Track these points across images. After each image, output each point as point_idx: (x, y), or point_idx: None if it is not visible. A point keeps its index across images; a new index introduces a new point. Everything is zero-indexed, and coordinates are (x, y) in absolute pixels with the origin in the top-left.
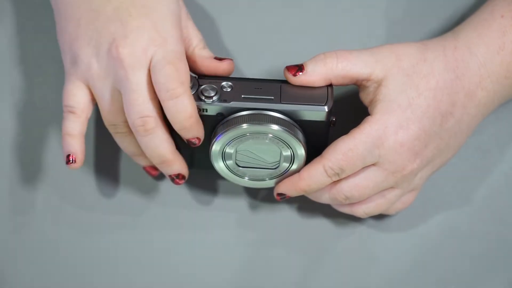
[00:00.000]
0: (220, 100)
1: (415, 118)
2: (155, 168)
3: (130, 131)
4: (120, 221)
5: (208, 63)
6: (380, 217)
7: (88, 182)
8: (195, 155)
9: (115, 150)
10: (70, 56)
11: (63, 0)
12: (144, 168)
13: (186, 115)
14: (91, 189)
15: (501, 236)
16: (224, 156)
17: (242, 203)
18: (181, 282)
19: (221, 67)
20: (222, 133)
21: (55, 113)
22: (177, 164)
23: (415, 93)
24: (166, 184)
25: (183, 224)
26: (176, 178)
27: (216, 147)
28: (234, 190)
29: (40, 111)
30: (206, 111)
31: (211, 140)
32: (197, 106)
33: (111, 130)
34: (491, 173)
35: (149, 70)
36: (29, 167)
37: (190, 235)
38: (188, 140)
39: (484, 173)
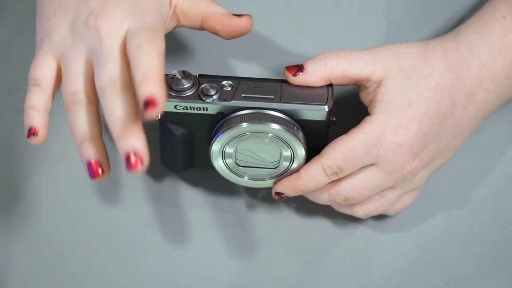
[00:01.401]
0: (221, 99)
1: (415, 118)
2: (99, 166)
3: (88, 102)
4: (119, 221)
5: (227, 20)
6: (380, 217)
7: (87, 181)
8: (195, 154)
9: (115, 149)
10: (44, 32)
11: None
12: (87, 163)
13: (149, 65)
14: (89, 189)
15: (501, 236)
16: (224, 155)
17: (241, 203)
18: (180, 282)
19: (240, 24)
20: (222, 132)
21: (55, 113)
22: (135, 136)
23: (415, 93)
24: (166, 184)
25: (182, 224)
26: (133, 157)
27: (216, 146)
28: (234, 189)
29: None
30: (206, 110)
31: (211, 139)
32: (197, 106)
33: (69, 100)
34: (491, 173)
35: (124, 41)
36: (29, 167)
37: (189, 235)
38: (146, 101)
39: (484, 173)
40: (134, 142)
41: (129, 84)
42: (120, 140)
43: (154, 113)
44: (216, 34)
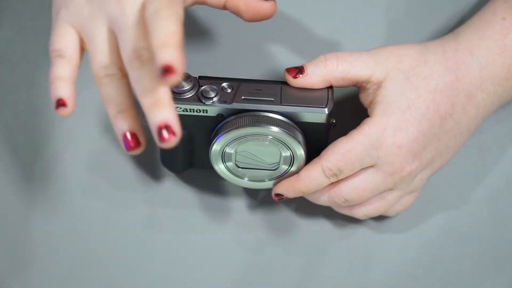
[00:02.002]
0: (221, 101)
1: (414, 120)
2: (133, 137)
3: (120, 74)
4: (119, 221)
5: (253, 1)
6: (380, 218)
7: (87, 181)
8: (195, 155)
9: (115, 150)
10: (61, 1)
11: None
12: (123, 136)
13: (167, 30)
14: (90, 189)
15: (501, 236)
16: (223, 157)
17: (241, 203)
18: (180, 283)
19: (265, 7)
20: (222, 134)
21: (55, 113)
22: (166, 108)
23: (415, 95)
24: (165, 185)
25: (182, 224)
26: (165, 131)
27: (216, 148)
28: (234, 190)
29: (40, 111)
30: (206, 112)
31: (211, 141)
32: (197, 108)
33: (100, 74)
34: (491, 173)
35: (143, 5)
36: (29, 167)
37: (189, 236)
38: (163, 68)
39: (484, 173)
40: (165, 114)
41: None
42: (151, 113)
43: (172, 81)
44: (238, 15)
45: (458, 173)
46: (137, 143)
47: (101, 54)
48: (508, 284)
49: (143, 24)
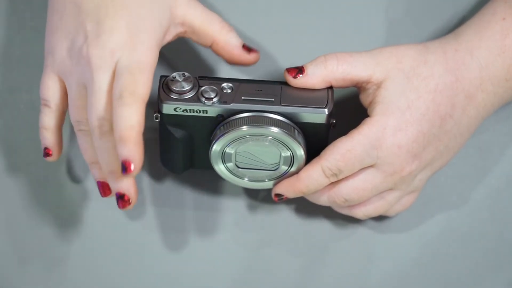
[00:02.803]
0: (220, 101)
1: (414, 120)
2: (106, 186)
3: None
4: (119, 221)
5: (236, 54)
6: (380, 218)
7: (87, 182)
8: (195, 156)
9: None
10: (49, 47)
11: None
12: (97, 182)
13: (127, 124)
14: (90, 189)
15: (501, 236)
16: (223, 157)
17: (241, 204)
18: (180, 283)
19: (248, 59)
20: (222, 135)
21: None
22: (125, 181)
23: (415, 95)
24: (166, 185)
25: (182, 224)
26: (120, 198)
27: (216, 148)
28: (234, 191)
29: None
30: (206, 113)
31: (211, 141)
32: (197, 109)
33: (75, 126)
34: (491, 173)
35: (114, 73)
36: (29, 167)
37: (189, 236)
38: (122, 162)
39: (484, 173)
40: (122, 185)
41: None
42: (109, 180)
43: (131, 175)
44: (220, 57)
45: (458, 173)
46: (107, 190)
47: (75, 110)
48: (508, 284)
49: (109, 98)
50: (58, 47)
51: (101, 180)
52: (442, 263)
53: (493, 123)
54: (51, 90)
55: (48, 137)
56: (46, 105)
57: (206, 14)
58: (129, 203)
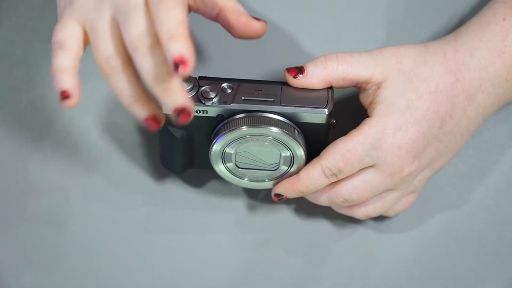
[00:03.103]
0: (220, 101)
1: (414, 120)
2: (156, 120)
3: (125, 64)
4: (119, 221)
5: (244, 19)
6: (379, 218)
7: (87, 181)
8: (195, 156)
9: (115, 149)
10: (66, 1)
11: None
12: (145, 120)
13: (175, 22)
14: (90, 189)
15: (501, 236)
16: (223, 158)
17: (241, 204)
18: (180, 283)
19: (255, 26)
20: (222, 135)
21: (55, 113)
22: (177, 93)
23: (415, 95)
24: (166, 185)
25: (182, 224)
26: (182, 113)
27: (216, 148)
28: (233, 191)
29: (40, 111)
30: (206, 113)
31: (211, 141)
32: (197, 109)
33: (104, 66)
34: (491, 173)
35: None
36: (29, 167)
37: (189, 236)
38: (176, 60)
39: (484, 173)
40: (179, 100)
41: (156, 40)
42: (164, 99)
43: (186, 73)
44: (228, 29)
45: (458, 173)
46: (158, 123)
47: (104, 45)
48: (508, 284)
49: (148, 11)
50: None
51: (149, 115)
52: (442, 263)
53: (493, 124)
54: (67, 31)
55: (66, 79)
56: (60, 47)
57: None
58: (190, 115)
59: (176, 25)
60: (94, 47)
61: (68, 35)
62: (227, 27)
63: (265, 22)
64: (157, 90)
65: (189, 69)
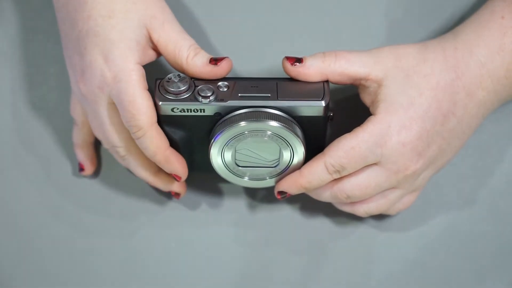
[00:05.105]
0: (217, 99)
1: (418, 117)
2: (180, 188)
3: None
4: (119, 222)
5: (206, 72)
6: (380, 216)
7: (88, 182)
8: (194, 158)
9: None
10: (74, 68)
11: (59, 15)
12: (170, 192)
13: (150, 153)
14: (90, 190)
15: (501, 236)
16: (223, 157)
17: (241, 203)
18: (180, 282)
19: (219, 71)
20: (220, 133)
21: (55, 113)
22: (162, 183)
23: (416, 92)
24: None
25: (182, 224)
26: (176, 196)
27: (215, 147)
28: (233, 190)
29: (40, 111)
30: (204, 111)
31: (209, 140)
32: (194, 108)
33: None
34: (491, 173)
35: (112, 103)
36: (29, 167)
37: (190, 236)
38: (172, 175)
39: (484, 173)
40: (174, 187)
41: (130, 147)
42: (161, 186)
43: (181, 181)
44: None
45: (458, 173)
46: (184, 189)
47: (97, 132)
48: (508, 284)
49: (117, 119)
50: (70, 72)
51: (173, 190)
52: (442, 262)
53: (493, 123)
54: (76, 110)
55: (78, 153)
56: (74, 123)
57: (175, 41)
58: (180, 196)
59: (154, 153)
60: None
61: (77, 113)
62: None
63: (227, 58)
64: (150, 181)
65: (182, 180)
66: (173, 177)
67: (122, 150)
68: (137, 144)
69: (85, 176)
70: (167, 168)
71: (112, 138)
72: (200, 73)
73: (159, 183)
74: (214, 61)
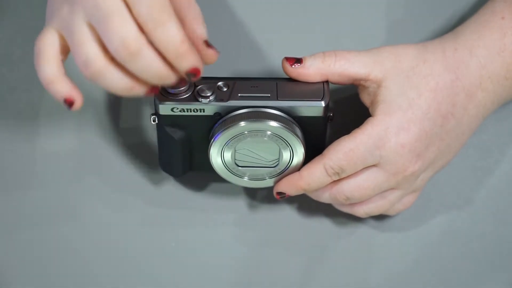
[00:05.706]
0: (217, 99)
1: (416, 119)
2: (154, 87)
3: (107, 64)
4: (118, 221)
5: (196, 44)
6: (380, 217)
7: (87, 182)
8: (194, 158)
9: (115, 150)
10: (47, 14)
11: None
12: (145, 95)
13: (177, 41)
14: (90, 189)
15: (501, 236)
16: (223, 157)
17: (241, 203)
18: (180, 282)
19: (205, 54)
20: (220, 133)
21: (55, 113)
22: (171, 78)
23: (415, 94)
24: (166, 185)
25: (182, 225)
26: (193, 75)
27: (214, 147)
28: (233, 190)
29: (40, 111)
30: (203, 111)
31: (209, 140)
32: (194, 108)
33: (84, 71)
34: (491, 173)
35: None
36: (29, 167)
37: (189, 236)
38: (187, 74)
39: (484, 173)
40: (191, 62)
41: (141, 39)
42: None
43: (198, 79)
44: None
45: (458, 173)
46: (156, 89)
47: (81, 48)
48: (508, 284)
49: (123, 10)
50: (57, 4)
51: (147, 91)
52: (443, 262)
53: (493, 123)
54: (44, 41)
55: (60, 87)
56: (41, 53)
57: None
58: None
59: (179, 44)
60: (72, 52)
61: (45, 44)
62: None
63: (217, 52)
64: (157, 79)
65: (200, 76)
66: (190, 74)
67: (135, 43)
68: (159, 36)
69: (78, 109)
70: (190, 60)
71: (123, 30)
72: (192, 40)
73: (175, 75)
74: (207, 44)
